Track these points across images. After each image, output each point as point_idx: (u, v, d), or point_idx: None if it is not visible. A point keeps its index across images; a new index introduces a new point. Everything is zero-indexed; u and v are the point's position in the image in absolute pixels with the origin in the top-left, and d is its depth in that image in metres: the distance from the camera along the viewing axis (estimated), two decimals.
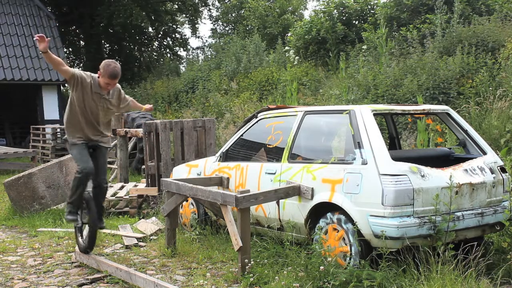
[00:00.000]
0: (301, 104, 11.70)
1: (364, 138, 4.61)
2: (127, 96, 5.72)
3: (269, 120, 5.84)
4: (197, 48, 30.16)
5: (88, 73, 5.29)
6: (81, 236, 5.66)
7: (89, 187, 5.46)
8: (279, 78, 14.47)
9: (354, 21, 15.78)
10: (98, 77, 5.23)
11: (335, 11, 15.70)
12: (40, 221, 7.54)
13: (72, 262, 5.61)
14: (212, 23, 32.42)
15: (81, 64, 30.77)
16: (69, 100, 5.39)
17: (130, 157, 11.56)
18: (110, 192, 8.33)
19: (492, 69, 9.29)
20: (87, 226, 5.56)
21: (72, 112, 5.33)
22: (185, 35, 32.16)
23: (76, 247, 5.79)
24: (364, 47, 13.33)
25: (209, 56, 22.09)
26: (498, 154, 5.89)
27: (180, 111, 16.89)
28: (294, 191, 5.00)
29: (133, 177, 11.08)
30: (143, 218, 7.57)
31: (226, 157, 6.12)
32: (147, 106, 5.99)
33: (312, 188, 4.89)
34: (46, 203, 8.01)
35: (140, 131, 8.99)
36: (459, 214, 4.49)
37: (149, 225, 6.86)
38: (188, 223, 6.54)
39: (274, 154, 5.57)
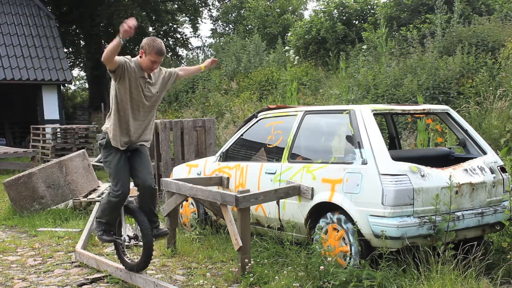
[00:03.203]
0: (301, 104, 11.70)
1: (364, 138, 4.61)
2: (170, 70, 4.87)
3: (269, 120, 5.84)
4: (197, 47, 30.17)
5: (128, 56, 4.50)
6: (124, 253, 4.87)
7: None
8: (279, 78, 14.47)
9: (354, 21, 15.80)
10: (140, 57, 4.49)
11: (335, 11, 15.72)
12: (40, 221, 7.53)
13: (72, 262, 5.61)
14: (212, 23, 32.43)
15: (81, 64, 30.77)
16: (112, 98, 4.48)
17: None
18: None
19: (492, 69, 9.29)
20: (129, 240, 4.78)
21: (118, 111, 4.45)
22: (186, 35, 32.15)
23: (77, 246, 5.78)
24: (364, 47, 13.34)
25: (209, 56, 22.09)
26: (498, 154, 5.89)
27: (180, 111, 16.90)
28: (294, 191, 5.00)
29: None
30: None
31: (226, 157, 6.12)
32: (207, 61, 5.13)
33: (312, 188, 4.89)
34: (46, 203, 8.00)
35: None
36: (459, 214, 4.49)
37: None
38: (188, 223, 6.54)
39: (274, 154, 5.57)
